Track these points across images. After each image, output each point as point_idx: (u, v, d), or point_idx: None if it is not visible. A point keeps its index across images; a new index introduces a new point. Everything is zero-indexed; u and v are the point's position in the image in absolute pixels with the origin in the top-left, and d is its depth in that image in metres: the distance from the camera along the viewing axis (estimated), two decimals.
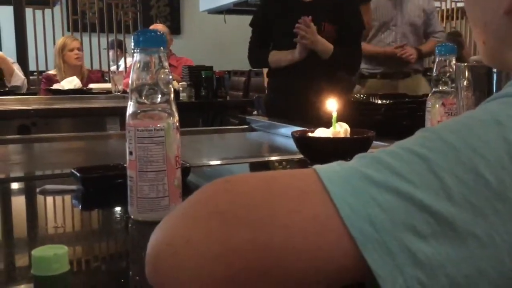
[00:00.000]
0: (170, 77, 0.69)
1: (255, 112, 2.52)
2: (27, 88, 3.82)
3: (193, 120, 3.34)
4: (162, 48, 0.67)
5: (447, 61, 1.19)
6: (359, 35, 2.23)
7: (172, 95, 0.69)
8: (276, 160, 1.16)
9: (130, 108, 0.68)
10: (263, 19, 2.20)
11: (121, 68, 5.10)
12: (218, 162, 1.18)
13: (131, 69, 0.68)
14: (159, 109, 0.68)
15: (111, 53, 5.50)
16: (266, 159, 1.24)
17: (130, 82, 0.68)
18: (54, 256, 0.48)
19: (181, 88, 3.38)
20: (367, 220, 0.34)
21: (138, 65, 0.67)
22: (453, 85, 1.14)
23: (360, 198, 0.34)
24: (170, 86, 0.68)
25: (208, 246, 0.36)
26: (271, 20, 2.15)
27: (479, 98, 0.89)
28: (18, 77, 3.68)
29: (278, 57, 2.15)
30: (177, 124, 0.69)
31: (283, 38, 2.10)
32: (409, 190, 0.34)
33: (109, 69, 5.13)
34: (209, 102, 3.43)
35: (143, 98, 0.67)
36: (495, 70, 0.87)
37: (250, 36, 2.28)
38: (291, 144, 1.05)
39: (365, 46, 2.91)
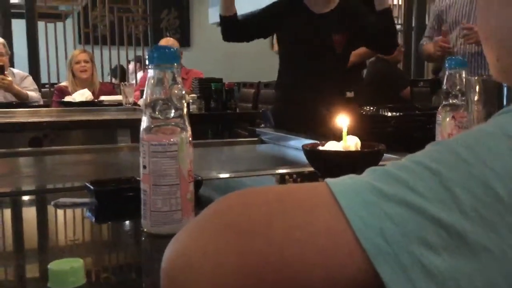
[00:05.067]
0: (183, 92, 0.70)
1: (262, 125, 2.52)
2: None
3: (203, 132, 3.35)
4: (175, 64, 0.69)
5: (457, 74, 1.19)
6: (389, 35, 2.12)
7: (185, 110, 0.70)
8: (287, 173, 1.17)
9: (144, 123, 0.69)
10: (264, 15, 2.15)
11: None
12: (229, 175, 1.19)
13: (146, 85, 0.69)
14: (173, 123, 0.68)
15: (130, 67, 5.55)
16: (276, 172, 1.25)
17: (144, 97, 0.69)
18: (71, 270, 0.49)
19: (191, 100, 3.39)
20: (379, 234, 0.34)
21: (152, 80, 0.68)
22: (463, 98, 1.15)
23: (372, 212, 0.35)
24: (183, 101, 0.69)
25: (224, 258, 0.36)
26: (273, 24, 2.11)
27: (490, 112, 0.89)
28: (34, 99, 3.73)
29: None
30: (190, 138, 0.70)
31: (293, 47, 2.10)
32: (421, 203, 0.34)
33: (120, 81, 5.17)
34: (218, 114, 3.44)
35: (157, 113, 0.68)
36: (505, 84, 0.87)
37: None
38: (301, 156, 1.06)
39: (426, 46, 2.73)
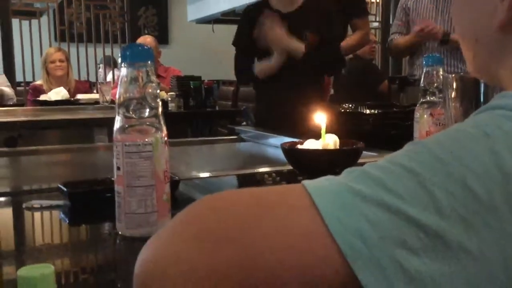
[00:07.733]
0: (158, 91, 0.68)
1: (244, 123, 2.51)
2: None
3: (182, 131, 3.33)
4: (149, 62, 0.67)
5: (435, 71, 1.19)
6: (339, 44, 2.26)
7: (160, 109, 0.68)
8: (266, 172, 1.16)
9: (118, 122, 0.67)
10: (247, 36, 2.18)
11: (109, 78, 5.08)
12: (207, 175, 1.18)
13: (119, 84, 0.68)
14: (147, 123, 0.67)
15: (102, 68, 5.47)
16: (255, 170, 1.24)
17: (117, 96, 0.67)
18: (41, 276, 0.47)
19: (169, 99, 3.37)
20: (357, 236, 0.33)
21: (126, 79, 0.67)
22: (441, 95, 1.15)
23: (350, 213, 0.34)
24: (158, 100, 0.68)
25: (197, 265, 0.35)
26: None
27: (467, 109, 0.89)
28: (9, 96, 3.65)
29: (262, 67, 2.13)
30: (166, 138, 0.68)
31: (267, 51, 2.10)
32: (399, 204, 0.34)
33: (96, 79, 5.10)
34: (197, 112, 3.43)
35: (131, 112, 0.66)
36: (482, 80, 0.88)
37: (235, 55, 2.26)
38: (280, 154, 1.05)
39: (398, 40, 2.78)
